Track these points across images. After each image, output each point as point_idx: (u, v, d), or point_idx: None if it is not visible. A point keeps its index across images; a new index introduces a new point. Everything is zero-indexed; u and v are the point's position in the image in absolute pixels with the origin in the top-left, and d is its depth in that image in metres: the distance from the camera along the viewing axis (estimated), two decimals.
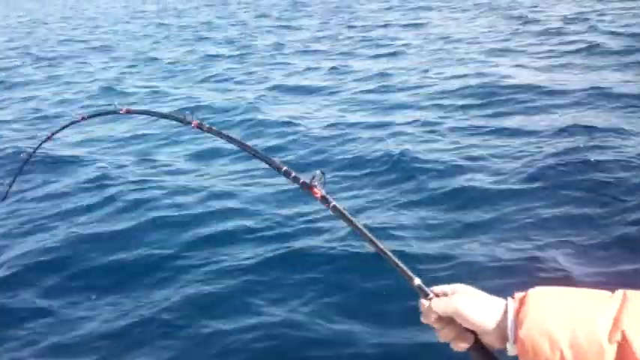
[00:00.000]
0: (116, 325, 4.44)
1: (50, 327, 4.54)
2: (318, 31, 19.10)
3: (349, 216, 1.60)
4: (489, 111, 8.71)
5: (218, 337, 4.19)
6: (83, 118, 3.14)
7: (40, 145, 3.45)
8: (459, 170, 6.59)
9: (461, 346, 1.30)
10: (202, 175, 8.07)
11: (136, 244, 5.67)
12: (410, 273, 1.46)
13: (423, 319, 1.38)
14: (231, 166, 8.57)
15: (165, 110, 2.75)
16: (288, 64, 14.15)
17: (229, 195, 7.02)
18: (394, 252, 1.52)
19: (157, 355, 4.09)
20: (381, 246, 1.53)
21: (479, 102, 9.15)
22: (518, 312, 1.18)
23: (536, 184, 5.98)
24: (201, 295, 4.70)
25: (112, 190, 7.10)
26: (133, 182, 7.32)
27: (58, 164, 8.29)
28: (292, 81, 12.37)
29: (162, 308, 4.56)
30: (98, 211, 6.58)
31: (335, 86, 11.35)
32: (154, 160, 8.49)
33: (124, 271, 5.26)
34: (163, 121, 9.07)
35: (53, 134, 3.40)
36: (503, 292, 1.36)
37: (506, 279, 4.34)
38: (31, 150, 3.51)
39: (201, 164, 8.54)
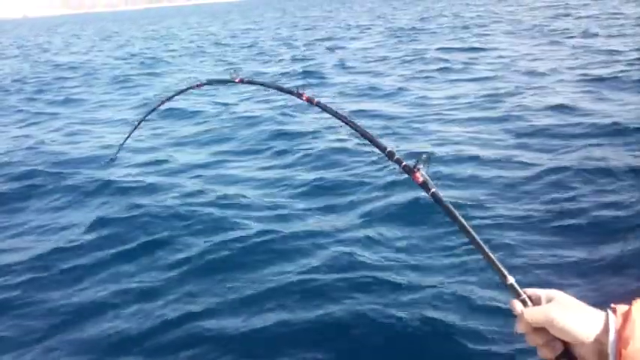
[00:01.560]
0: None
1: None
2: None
3: (448, 205, 1.55)
4: None
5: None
6: (198, 86, 3.24)
7: (159, 105, 3.64)
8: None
9: (547, 355, 1.27)
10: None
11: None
12: (504, 270, 1.42)
13: (516, 326, 1.33)
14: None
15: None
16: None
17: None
18: (491, 248, 1.48)
19: None
20: (479, 240, 1.49)
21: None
22: (622, 328, 1.14)
23: None
24: None
25: None
26: None
27: None
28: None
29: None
30: None
31: None
32: None
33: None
34: None
35: (170, 98, 3.51)
36: (599, 298, 1.32)
37: (598, 284, 4.32)
38: (150, 109, 3.71)
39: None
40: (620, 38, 17.22)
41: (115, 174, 8.27)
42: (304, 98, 2.28)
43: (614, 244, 4.98)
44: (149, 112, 3.76)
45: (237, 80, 2.85)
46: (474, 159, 7.68)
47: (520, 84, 12.10)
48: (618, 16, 23.28)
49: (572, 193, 6.15)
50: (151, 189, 7.58)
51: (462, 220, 1.52)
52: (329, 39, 27.62)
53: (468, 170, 7.26)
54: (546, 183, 6.52)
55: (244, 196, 7.08)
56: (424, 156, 1.64)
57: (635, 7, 26.81)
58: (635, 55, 14.05)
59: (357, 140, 9.02)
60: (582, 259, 4.80)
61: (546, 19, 25.08)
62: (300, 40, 28.33)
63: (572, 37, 18.63)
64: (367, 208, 6.42)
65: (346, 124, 1.97)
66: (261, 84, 2.82)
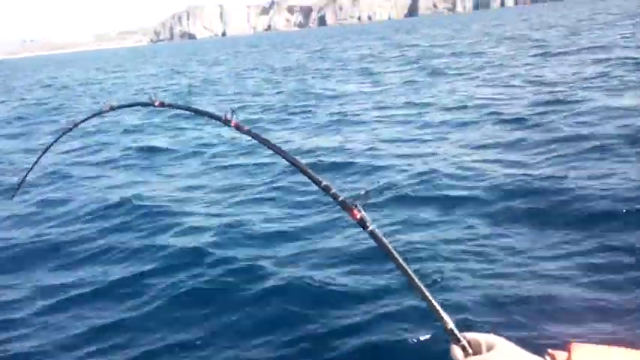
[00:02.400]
0: None
1: None
2: None
3: (386, 243, 1.49)
4: None
5: None
6: (112, 108, 3.07)
7: (62, 135, 3.44)
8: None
9: None
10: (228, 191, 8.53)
11: None
12: (443, 314, 1.36)
13: None
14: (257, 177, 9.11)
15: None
16: None
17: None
18: (428, 287, 1.42)
19: None
20: (417, 281, 1.43)
21: None
22: None
23: None
24: None
25: None
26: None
27: None
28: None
29: None
30: None
31: None
32: None
33: None
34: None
35: (76, 125, 3.40)
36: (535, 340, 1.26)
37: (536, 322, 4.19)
38: (51, 141, 3.54)
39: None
40: None
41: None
42: (232, 125, 2.18)
43: (553, 282, 4.83)
44: (57, 139, 3.52)
45: (156, 104, 2.71)
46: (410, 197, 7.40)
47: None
48: None
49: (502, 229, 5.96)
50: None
51: (400, 260, 1.46)
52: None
53: (406, 210, 6.91)
54: (485, 218, 6.30)
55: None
56: (363, 192, 1.59)
57: None
58: None
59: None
60: (520, 295, 4.65)
61: None
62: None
63: None
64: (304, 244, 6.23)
65: (279, 154, 1.91)
66: (186, 108, 2.69)
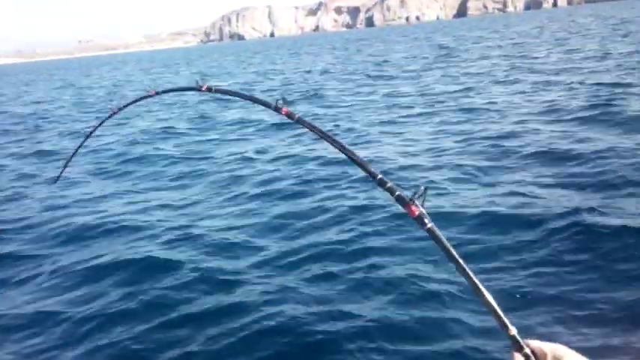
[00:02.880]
0: None
1: None
2: None
3: (446, 244, 1.43)
4: None
5: None
6: (157, 93, 3.11)
7: (108, 118, 3.61)
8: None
9: None
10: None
11: None
12: (506, 320, 1.30)
13: None
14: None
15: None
16: None
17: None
18: (492, 293, 1.34)
19: None
20: (479, 284, 1.37)
21: None
22: None
23: None
24: None
25: None
26: None
27: None
28: None
29: None
30: None
31: None
32: None
33: None
34: None
35: (121, 109, 3.51)
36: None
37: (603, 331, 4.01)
38: (96, 125, 3.76)
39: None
40: None
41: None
42: (283, 112, 2.12)
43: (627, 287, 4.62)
44: (100, 123, 3.70)
45: (203, 88, 2.71)
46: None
47: None
48: None
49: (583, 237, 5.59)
50: None
51: (460, 261, 1.40)
52: None
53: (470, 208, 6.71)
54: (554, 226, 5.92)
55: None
56: (422, 188, 1.52)
57: None
58: None
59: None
60: (590, 304, 4.44)
61: None
62: None
63: None
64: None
65: (333, 145, 1.82)
66: (234, 94, 2.64)
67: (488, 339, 3.95)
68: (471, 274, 1.39)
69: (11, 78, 74.53)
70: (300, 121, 2.09)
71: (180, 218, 7.44)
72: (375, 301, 4.75)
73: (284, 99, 2.21)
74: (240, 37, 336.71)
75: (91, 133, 3.92)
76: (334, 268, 5.40)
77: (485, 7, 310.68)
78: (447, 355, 3.91)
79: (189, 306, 4.91)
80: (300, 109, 16.00)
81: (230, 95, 2.69)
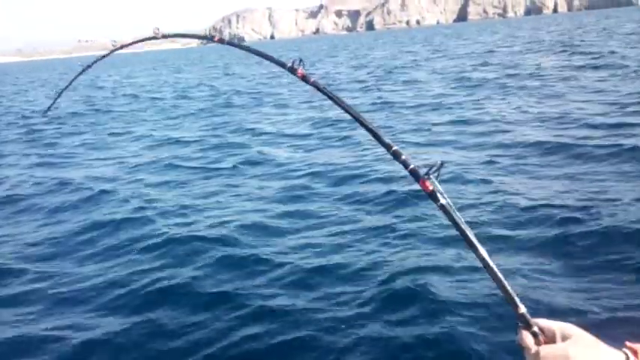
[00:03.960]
0: None
1: None
2: None
3: (459, 220, 1.41)
4: None
5: None
6: (164, 36, 3.02)
7: (109, 54, 3.98)
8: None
9: None
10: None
11: None
12: (515, 298, 1.30)
13: (527, 356, 1.21)
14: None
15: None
16: None
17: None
18: (502, 270, 1.34)
19: None
20: (489, 261, 1.36)
21: None
22: None
23: None
24: None
25: None
26: None
27: None
28: None
29: None
30: None
31: None
32: None
33: None
34: None
35: (123, 46, 3.89)
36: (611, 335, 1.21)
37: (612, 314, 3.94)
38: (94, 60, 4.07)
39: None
40: None
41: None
42: (298, 74, 2.09)
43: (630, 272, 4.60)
44: (97, 60, 3.97)
45: (215, 39, 2.79)
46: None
47: None
48: None
49: (589, 217, 5.66)
50: None
51: (472, 237, 1.39)
52: None
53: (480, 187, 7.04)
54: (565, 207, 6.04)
55: None
56: (438, 162, 1.51)
57: None
58: None
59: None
60: (597, 285, 4.43)
61: None
62: None
63: None
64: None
65: (348, 112, 1.82)
66: (248, 49, 2.59)
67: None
68: (482, 251, 1.36)
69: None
70: (314, 85, 2.06)
71: None
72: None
73: (301, 60, 2.13)
74: (240, 39, 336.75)
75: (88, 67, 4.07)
76: None
77: (485, 11, 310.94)
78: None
79: None
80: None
81: (245, 50, 2.63)
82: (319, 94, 1.99)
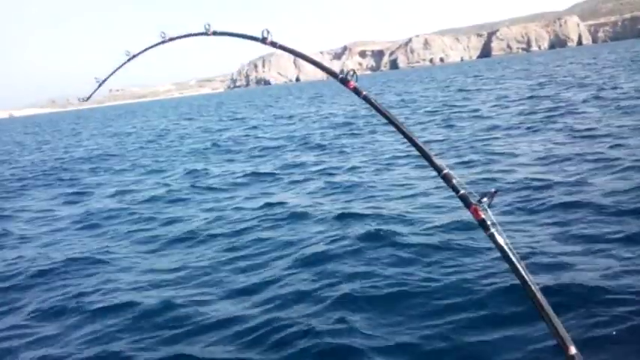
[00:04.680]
0: None
1: None
2: None
3: (510, 254, 1.39)
4: None
5: None
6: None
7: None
8: None
9: None
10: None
11: None
12: (566, 338, 1.27)
13: None
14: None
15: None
16: None
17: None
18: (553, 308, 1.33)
19: None
20: (541, 299, 1.33)
21: None
22: None
23: None
24: None
25: None
26: None
27: None
28: None
29: None
30: None
31: None
32: None
33: None
34: None
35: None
36: None
37: None
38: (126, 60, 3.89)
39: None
40: None
41: None
42: (350, 86, 2.21)
43: None
44: (146, 49, 3.68)
45: (267, 41, 2.79)
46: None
47: None
48: None
49: None
50: None
51: (524, 273, 1.34)
52: None
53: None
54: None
55: None
56: (492, 190, 1.54)
57: None
58: None
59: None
60: None
61: None
62: None
63: None
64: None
65: (397, 129, 1.84)
66: (299, 54, 2.85)
67: None
68: (534, 288, 1.32)
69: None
70: (366, 99, 2.11)
71: None
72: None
73: (354, 72, 2.21)
74: (267, 82, 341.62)
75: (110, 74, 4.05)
76: None
77: (509, 47, 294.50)
78: None
79: None
80: None
81: (294, 54, 2.78)
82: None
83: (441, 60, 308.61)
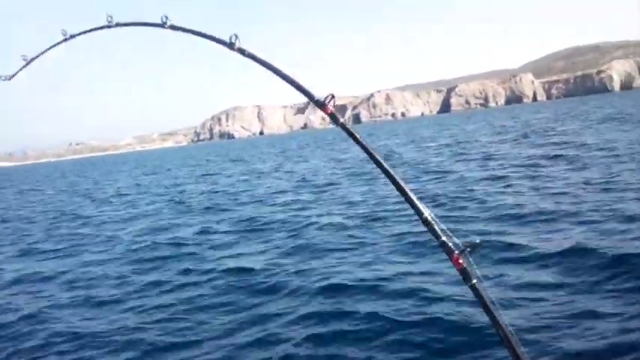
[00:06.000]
0: None
1: None
2: None
3: (490, 305, 1.32)
4: None
5: None
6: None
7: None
8: None
9: None
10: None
11: None
12: None
13: None
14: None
15: None
16: None
17: None
18: None
19: None
20: (521, 353, 1.31)
21: None
22: None
23: None
24: None
25: None
26: None
27: None
28: None
29: None
30: None
31: None
32: None
33: None
34: None
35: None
36: None
37: None
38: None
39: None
40: None
41: None
42: (327, 111, 2.25)
43: None
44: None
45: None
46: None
47: None
48: None
49: None
50: None
51: (507, 331, 1.29)
52: None
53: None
54: None
55: None
56: (477, 240, 1.51)
57: None
58: None
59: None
60: None
61: None
62: None
63: None
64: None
65: (377, 164, 1.82)
66: (277, 71, 2.51)
67: None
68: (517, 348, 1.29)
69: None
70: (343, 128, 2.07)
71: None
72: None
73: (333, 96, 2.16)
74: (230, 136, 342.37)
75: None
76: None
77: (467, 102, 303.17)
78: None
79: None
80: None
81: (270, 70, 2.46)
82: None
83: (402, 115, 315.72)
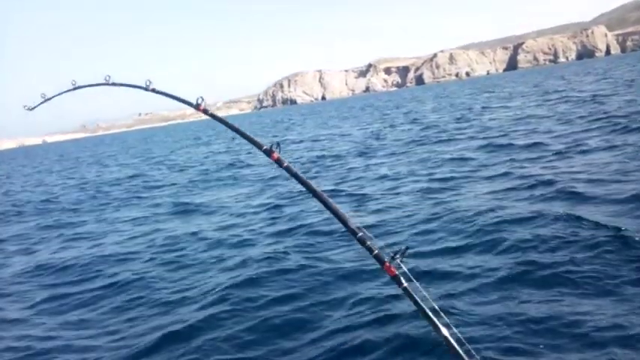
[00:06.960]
0: None
1: None
2: None
3: (422, 304, 1.42)
4: None
5: None
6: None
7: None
8: None
9: None
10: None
11: None
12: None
13: None
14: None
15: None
16: None
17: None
18: None
19: None
20: (458, 349, 1.41)
21: None
22: None
23: None
24: None
25: None
26: None
27: None
28: None
29: None
30: None
31: None
32: None
33: None
34: None
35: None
36: None
37: None
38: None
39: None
40: None
41: None
42: (273, 157, 2.18)
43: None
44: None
45: (200, 108, 2.81)
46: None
47: None
48: None
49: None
50: None
51: (436, 321, 1.38)
52: None
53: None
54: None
55: None
56: (402, 247, 1.57)
57: None
58: None
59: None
60: None
61: None
62: None
63: None
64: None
65: (317, 197, 1.87)
66: (229, 125, 2.69)
67: None
68: (453, 342, 1.39)
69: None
70: (288, 170, 2.11)
71: None
72: None
73: (279, 144, 2.22)
74: (293, 102, 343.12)
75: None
76: None
77: (535, 59, 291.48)
78: None
79: None
80: None
81: (224, 125, 2.70)
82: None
83: (467, 74, 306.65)
